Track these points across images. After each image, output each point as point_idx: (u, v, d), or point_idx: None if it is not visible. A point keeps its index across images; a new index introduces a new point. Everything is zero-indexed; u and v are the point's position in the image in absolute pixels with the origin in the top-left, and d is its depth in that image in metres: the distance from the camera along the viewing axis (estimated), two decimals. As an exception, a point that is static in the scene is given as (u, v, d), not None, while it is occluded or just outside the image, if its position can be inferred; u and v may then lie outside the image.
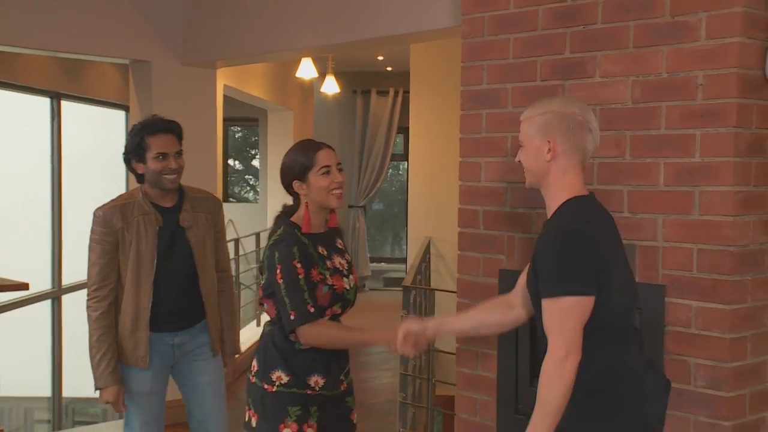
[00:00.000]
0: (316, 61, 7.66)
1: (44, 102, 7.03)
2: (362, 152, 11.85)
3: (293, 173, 2.60)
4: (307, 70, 7.04)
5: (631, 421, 2.09)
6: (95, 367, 2.98)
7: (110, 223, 2.97)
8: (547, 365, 2.01)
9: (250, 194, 14.58)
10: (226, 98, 7.34)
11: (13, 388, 8.20)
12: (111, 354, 2.97)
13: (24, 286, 4.13)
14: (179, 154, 3.04)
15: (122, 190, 6.14)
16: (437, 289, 5.16)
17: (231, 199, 13.62)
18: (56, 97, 7.03)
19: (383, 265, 13.04)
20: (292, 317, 2.51)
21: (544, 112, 2.18)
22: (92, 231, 3.00)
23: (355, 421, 2.80)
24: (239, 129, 14.32)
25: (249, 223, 10.94)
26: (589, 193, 2.21)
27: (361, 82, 11.78)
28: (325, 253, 2.64)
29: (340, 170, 2.62)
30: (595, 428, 2.09)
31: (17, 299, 6.28)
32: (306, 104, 9.84)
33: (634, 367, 2.14)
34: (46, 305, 7.17)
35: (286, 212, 2.68)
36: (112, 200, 3.05)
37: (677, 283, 2.56)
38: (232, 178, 14.59)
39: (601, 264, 2.06)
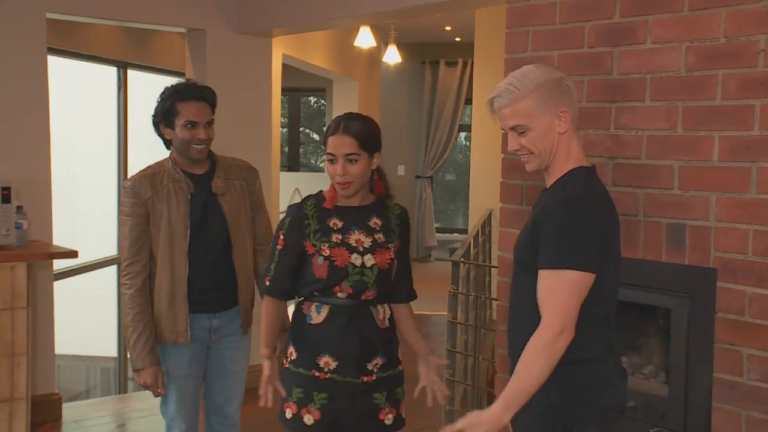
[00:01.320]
0: (379, 31, 7.52)
1: (111, 71, 7.12)
2: (429, 123, 11.71)
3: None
4: (365, 38, 6.91)
5: (593, 406, 1.97)
6: (132, 347, 2.86)
7: (139, 193, 2.85)
8: (538, 341, 1.88)
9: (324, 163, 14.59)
10: (293, 68, 7.29)
11: (87, 347, 8.50)
12: (148, 333, 2.85)
13: (73, 254, 4.20)
14: (210, 123, 2.91)
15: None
16: (483, 264, 5.00)
17: (303, 168, 13.68)
18: (123, 67, 7.10)
19: (455, 235, 12.90)
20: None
21: (537, 85, 1.99)
22: (121, 203, 2.90)
23: (388, 422, 2.53)
24: (314, 99, 14.31)
25: (315, 191, 10.94)
26: (591, 165, 2.07)
27: (430, 52, 11.61)
28: (339, 226, 2.48)
29: (351, 161, 2.40)
30: (555, 414, 1.97)
31: (85, 264, 6.43)
32: (372, 75, 9.71)
33: (601, 353, 2.01)
34: (112, 270, 7.33)
35: None
36: (141, 170, 2.96)
37: (730, 266, 2.37)
38: (309, 148, 14.63)
39: (605, 241, 1.94)
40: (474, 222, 7.17)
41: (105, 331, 7.61)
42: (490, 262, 7.16)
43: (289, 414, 2.51)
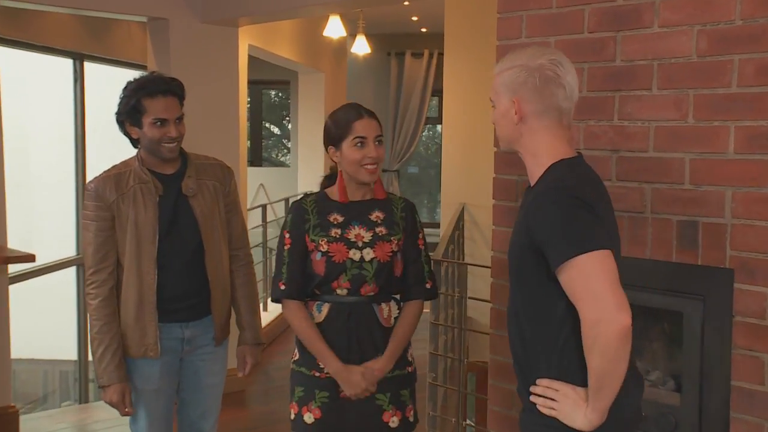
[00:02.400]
0: (346, 21, 7.30)
1: (67, 63, 6.79)
2: (396, 116, 11.53)
3: (329, 139, 2.49)
4: (335, 28, 6.68)
5: (611, 417, 1.79)
6: (98, 362, 2.63)
7: (103, 195, 2.63)
8: (585, 340, 1.72)
9: (287, 158, 14.35)
10: (256, 60, 7.04)
11: (45, 350, 8.17)
12: (115, 346, 2.64)
13: (31, 258, 3.94)
14: (180, 119, 2.68)
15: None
16: (469, 264, 4.83)
17: (265, 163, 13.40)
18: (79, 58, 6.78)
19: (420, 229, 12.73)
20: (271, 290, 2.50)
21: (510, 66, 1.90)
22: (84, 207, 2.67)
23: (393, 425, 2.48)
24: (276, 92, 14.03)
25: (280, 187, 10.73)
26: (577, 153, 1.93)
27: (396, 43, 11.43)
28: (340, 221, 2.45)
29: (380, 143, 2.45)
30: (566, 426, 1.81)
31: (42, 266, 6.14)
32: (338, 67, 9.49)
33: None
34: (71, 271, 7.02)
35: (328, 177, 2.58)
36: (105, 171, 2.72)
37: (748, 266, 2.20)
38: (270, 142, 14.35)
39: (601, 225, 1.79)
40: (447, 217, 7.00)
41: (64, 334, 7.33)
42: (464, 259, 7.01)
43: (292, 414, 2.50)
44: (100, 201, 2.64)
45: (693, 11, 2.27)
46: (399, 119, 11.54)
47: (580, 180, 1.84)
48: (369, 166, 2.42)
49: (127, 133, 2.70)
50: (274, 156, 14.41)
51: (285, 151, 14.50)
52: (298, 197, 2.56)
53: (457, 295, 4.35)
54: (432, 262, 2.65)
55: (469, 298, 4.37)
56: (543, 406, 1.85)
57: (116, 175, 2.68)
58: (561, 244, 1.74)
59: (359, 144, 2.42)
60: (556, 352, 1.84)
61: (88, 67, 6.79)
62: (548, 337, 1.85)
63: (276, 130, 14.71)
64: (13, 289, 5.37)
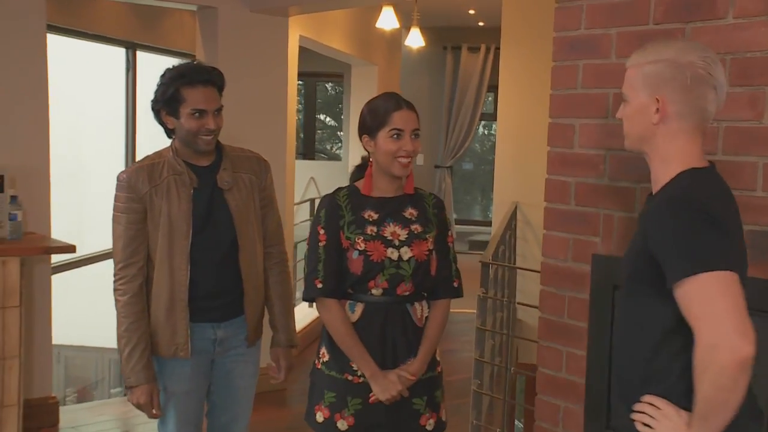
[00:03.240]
0: (400, 13, 7.14)
1: (120, 52, 6.79)
2: (450, 111, 11.33)
3: (364, 127, 2.39)
4: (388, 20, 6.53)
5: None
6: (125, 361, 2.53)
7: (135, 187, 2.52)
8: (696, 366, 1.57)
9: (341, 151, 14.31)
10: (309, 51, 6.94)
11: (97, 338, 8.24)
12: (144, 346, 2.53)
13: (71, 249, 3.89)
14: (219, 111, 2.56)
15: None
16: (519, 268, 4.64)
17: (320, 156, 13.36)
18: (132, 48, 6.78)
19: (470, 227, 12.52)
20: (304, 289, 2.38)
21: (655, 59, 1.73)
22: (115, 198, 2.55)
23: (429, 428, 2.41)
24: (332, 84, 13.96)
25: (331, 180, 10.63)
26: (709, 164, 1.75)
27: (452, 37, 11.22)
28: (375, 218, 2.36)
29: (416, 136, 2.37)
30: None
31: (92, 254, 6.15)
32: (392, 59, 9.33)
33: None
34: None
35: (360, 167, 2.50)
36: (138, 161, 2.61)
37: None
38: (324, 134, 14.31)
39: (730, 242, 1.63)
40: (499, 217, 6.80)
41: (113, 322, 7.35)
42: (515, 261, 6.81)
43: (320, 417, 2.39)
44: (132, 192, 2.53)
45: (772, 1, 2.07)
46: (453, 115, 11.33)
47: (710, 192, 1.69)
48: (403, 159, 2.34)
49: (162, 123, 2.59)
50: (328, 148, 14.36)
51: (339, 143, 14.44)
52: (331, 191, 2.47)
53: (505, 299, 4.16)
54: (456, 261, 2.52)
55: (518, 303, 4.18)
56: (640, 422, 1.72)
57: (149, 165, 2.57)
58: (682, 259, 1.59)
59: (395, 135, 2.33)
60: (661, 369, 1.71)
61: (140, 56, 6.77)
62: (655, 352, 1.72)
63: (332, 122, 14.66)
64: (66, 277, 5.38)
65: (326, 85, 13.99)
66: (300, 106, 12.66)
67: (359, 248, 2.32)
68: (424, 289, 2.41)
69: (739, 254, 1.70)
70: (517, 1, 7.02)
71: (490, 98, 11.79)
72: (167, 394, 2.62)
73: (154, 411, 2.57)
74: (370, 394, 2.33)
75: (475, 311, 4.01)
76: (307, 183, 11.08)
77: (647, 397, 1.71)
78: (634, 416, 1.73)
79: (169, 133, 2.61)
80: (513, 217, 6.73)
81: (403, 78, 10.46)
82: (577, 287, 2.56)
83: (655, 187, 1.77)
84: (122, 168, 6.83)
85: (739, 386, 1.53)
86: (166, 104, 2.53)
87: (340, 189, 2.45)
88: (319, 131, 13.98)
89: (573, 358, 2.58)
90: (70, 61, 6.73)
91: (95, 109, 7.24)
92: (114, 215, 2.57)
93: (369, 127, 2.37)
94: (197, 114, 2.51)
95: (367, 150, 2.41)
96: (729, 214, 1.68)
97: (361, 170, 2.49)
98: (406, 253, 2.34)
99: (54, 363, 8.24)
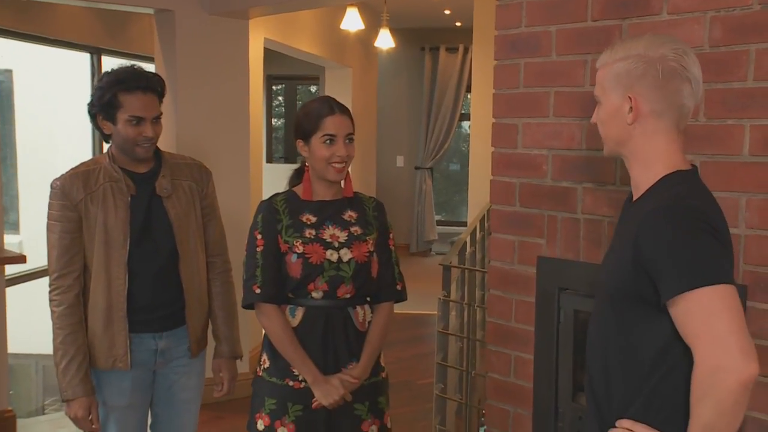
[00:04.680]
0: (371, 14, 7.08)
1: (84, 57, 6.71)
2: (429, 112, 11.26)
3: (298, 132, 2.37)
4: (352, 21, 6.46)
5: None
6: (61, 374, 2.44)
7: (70, 194, 2.44)
8: (695, 388, 1.47)
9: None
10: (286, 56, 6.85)
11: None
12: (81, 358, 2.45)
13: (21, 259, 3.82)
14: (158, 118, 2.49)
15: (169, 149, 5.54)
16: (478, 270, 4.59)
17: (301, 159, 13.24)
18: (96, 53, 6.69)
19: (456, 228, 12.47)
20: (243, 295, 2.34)
21: (624, 56, 1.64)
22: (49, 206, 2.47)
23: None
24: (316, 86, 13.85)
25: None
26: (691, 166, 1.66)
27: (429, 38, 11.17)
28: (313, 221, 2.34)
29: (350, 141, 2.34)
30: None
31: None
32: (368, 62, 9.28)
33: None
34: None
35: (298, 171, 2.48)
36: (73, 167, 2.52)
37: (763, 283, 1.95)
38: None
39: (727, 254, 1.55)
40: (473, 217, 6.75)
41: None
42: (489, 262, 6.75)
43: (261, 425, 2.34)
44: (66, 200, 2.45)
45: (706, -5, 2.02)
46: (433, 116, 11.27)
47: (703, 199, 1.60)
48: (337, 165, 2.31)
49: (99, 128, 2.52)
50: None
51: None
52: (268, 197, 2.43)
53: (465, 302, 4.11)
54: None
55: (478, 306, 4.13)
56: None
57: (84, 172, 2.49)
58: (679, 273, 1.48)
59: (328, 141, 2.31)
60: (646, 393, 1.59)
61: (106, 61, 6.69)
62: (639, 375, 1.60)
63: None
64: (43, 283, 5.29)
65: (309, 88, 13.90)
66: (280, 109, 12.58)
67: (297, 251, 2.29)
68: (366, 293, 2.37)
69: (733, 264, 1.61)
70: (488, 2, 6.97)
71: (469, 98, 11.74)
72: (107, 408, 2.54)
73: (93, 426, 2.48)
74: (313, 400, 2.29)
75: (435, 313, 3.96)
76: (285, 187, 10.99)
77: (625, 422, 1.59)
78: None
79: (106, 138, 2.54)
80: (487, 218, 6.68)
81: (381, 80, 10.41)
82: (523, 291, 2.51)
83: (636, 191, 1.68)
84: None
85: (742, 409, 1.45)
86: (102, 109, 2.46)
87: (277, 194, 2.43)
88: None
89: (521, 362, 2.54)
90: (35, 68, 6.66)
91: (62, 116, 7.16)
92: (48, 223, 2.48)
93: (303, 131, 2.35)
94: (135, 121, 2.44)
95: (302, 154, 2.38)
96: (723, 222, 1.60)
97: (299, 175, 2.45)
98: (346, 254, 2.31)
99: (32, 373, 8.14)
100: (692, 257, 1.48)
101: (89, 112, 2.52)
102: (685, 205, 1.53)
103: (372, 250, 2.36)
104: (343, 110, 2.35)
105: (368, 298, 2.40)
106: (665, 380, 1.57)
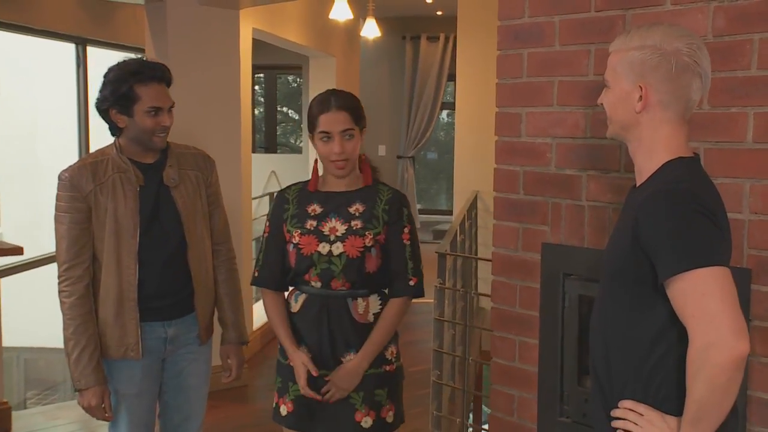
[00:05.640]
0: (356, 4, 7.09)
1: (69, 48, 6.66)
2: (411, 101, 11.31)
3: (309, 127, 2.41)
4: (341, 10, 6.47)
5: None
6: (74, 364, 2.46)
7: (78, 185, 2.46)
8: (690, 364, 1.54)
9: (303, 143, 14.21)
10: (267, 44, 6.85)
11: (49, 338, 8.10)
12: (93, 347, 2.47)
13: (18, 251, 3.81)
14: (171, 108, 2.55)
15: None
16: (475, 257, 4.63)
17: (284, 149, 13.26)
18: (82, 43, 6.65)
19: (438, 216, 12.52)
20: None
21: (640, 45, 1.68)
22: (57, 198, 2.49)
23: (365, 425, 2.36)
24: (293, 76, 13.84)
25: (293, 174, 10.56)
26: (694, 154, 1.71)
27: (411, 27, 11.20)
28: (318, 212, 2.39)
29: (350, 137, 2.33)
30: None
31: (51, 254, 6.03)
32: (351, 51, 9.28)
33: None
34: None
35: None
36: (81, 159, 2.56)
37: (767, 266, 2.01)
38: (288, 127, 14.18)
39: (723, 239, 1.60)
40: (460, 206, 6.81)
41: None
42: (476, 250, 6.81)
43: (274, 401, 2.47)
44: (76, 191, 2.47)
45: (710, -14, 2.07)
46: (414, 105, 11.32)
47: (702, 184, 1.65)
48: (338, 162, 2.33)
49: (111, 121, 2.53)
50: (292, 141, 14.25)
51: (303, 136, 14.35)
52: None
53: (462, 289, 4.16)
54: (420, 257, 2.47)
55: (476, 293, 4.17)
56: (622, 429, 1.67)
57: (93, 163, 2.51)
58: (675, 254, 1.54)
59: (325, 138, 2.34)
60: (646, 373, 1.66)
61: (91, 51, 6.65)
62: (638, 355, 1.66)
63: (295, 115, 14.54)
64: (25, 276, 5.25)
65: (288, 78, 13.86)
66: (261, 99, 12.55)
67: (294, 242, 2.36)
68: (364, 286, 2.36)
69: (729, 247, 1.67)
70: (472, -10, 7.01)
71: (450, 87, 11.79)
72: (118, 396, 2.57)
73: (106, 414, 2.51)
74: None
75: (432, 302, 4.00)
76: (268, 177, 10.99)
77: (627, 403, 1.66)
78: (616, 423, 1.68)
79: (115, 131, 2.55)
80: (473, 206, 6.74)
81: (362, 69, 10.41)
82: (528, 276, 2.55)
83: (640, 177, 1.73)
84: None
85: (734, 386, 1.51)
86: (117, 103, 2.48)
87: (296, 183, 2.50)
88: (282, 124, 13.87)
89: (526, 347, 2.58)
90: (20, 58, 6.60)
91: (47, 106, 7.11)
92: (56, 215, 2.50)
93: (309, 127, 2.40)
94: (153, 112, 2.48)
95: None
96: (720, 207, 1.65)
97: None
98: (338, 248, 2.32)
99: (13, 366, 8.09)
100: (688, 239, 1.55)
101: (99, 107, 2.54)
102: (682, 189, 1.59)
103: (369, 245, 2.34)
104: (341, 105, 2.33)
105: (379, 291, 2.40)
106: (663, 360, 1.64)
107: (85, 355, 2.46)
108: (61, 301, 2.50)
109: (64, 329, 2.49)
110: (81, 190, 2.47)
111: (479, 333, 5.89)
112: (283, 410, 2.43)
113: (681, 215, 1.56)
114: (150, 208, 2.53)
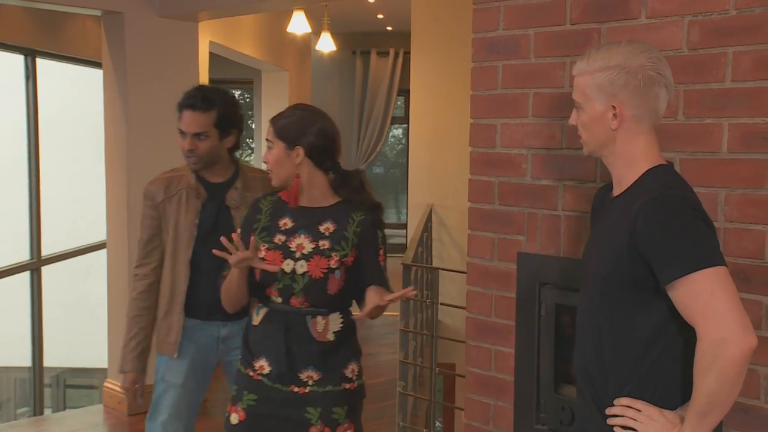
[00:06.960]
0: (311, 18, 7.10)
1: (18, 60, 6.50)
2: (362, 115, 11.34)
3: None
4: (299, 24, 6.48)
5: None
6: (123, 347, 2.84)
7: (153, 195, 2.80)
8: (698, 361, 1.60)
9: (251, 158, 14.09)
10: (217, 57, 6.82)
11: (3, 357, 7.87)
12: (141, 338, 2.83)
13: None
14: (199, 135, 2.71)
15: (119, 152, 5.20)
16: (441, 269, 4.67)
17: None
18: (31, 55, 6.50)
19: (387, 231, 12.56)
20: None
21: (605, 66, 1.75)
22: (142, 205, 2.86)
23: None
24: (241, 91, 13.74)
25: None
26: (668, 163, 1.80)
27: (361, 42, 11.24)
28: (288, 227, 2.37)
29: (269, 149, 2.37)
30: None
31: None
32: (303, 65, 9.28)
33: None
34: (25, 276, 6.72)
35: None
36: (163, 172, 2.87)
37: (743, 274, 2.07)
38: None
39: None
40: (415, 219, 6.84)
41: (17, 340, 7.03)
42: (431, 261, 6.86)
43: (225, 412, 2.46)
44: (150, 200, 2.81)
45: (684, 0, 2.13)
46: (365, 119, 11.35)
47: (689, 190, 1.75)
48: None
49: None
50: (238, 156, 14.15)
51: (249, 151, 14.24)
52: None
53: (427, 300, 4.18)
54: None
55: (442, 304, 4.20)
56: (621, 427, 1.71)
57: (169, 177, 2.82)
58: (681, 258, 1.61)
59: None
60: (643, 371, 1.72)
61: (41, 63, 6.50)
62: (635, 355, 1.73)
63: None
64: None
65: (235, 93, 13.76)
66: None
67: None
68: (324, 306, 2.34)
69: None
70: (426, 6, 7.08)
71: (399, 102, 11.87)
72: (165, 383, 2.82)
73: (137, 398, 2.86)
74: (268, 394, 2.35)
75: (393, 314, 4.01)
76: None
77: (624, 400, 1.72)
78: (612, 421, 1.73)
79: None
80: (429, 219, 6.79)
81: (314, 83, 10.41)
82: (503, 286, 2.58)
83: (619, 187, 1.81)
84: (25, 181, 6.60)
85: (741, 380, 1.58)
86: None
87: (272, 193, 2.47)
88: (227, 139, 13.72)
89: (501, 356, 2.60)
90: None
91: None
92: (140, 220, 2.86)
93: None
94: (181, 135, 2.73)
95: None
96: (706, 211, 1.72)
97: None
98: (302, 267, 2.31)
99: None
100: (690, 243, 1.62)
101: None
102: (676, 195, 1.67)
103: (335, 267, 2.31)
104: (272, 121, 2.41)
105: (342, 310, 2.38)
106: (660, 359, 1.70)
107: (132, 343, 2.82)
108: (129, 293, 2.88)
109: (126, 317, 2.85)
110: (154, 200, 2.80)
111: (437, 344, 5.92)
112: (234, 419, 2.38)
113: (680, 221, 1.63)
114: (208, 224, 2.78)
